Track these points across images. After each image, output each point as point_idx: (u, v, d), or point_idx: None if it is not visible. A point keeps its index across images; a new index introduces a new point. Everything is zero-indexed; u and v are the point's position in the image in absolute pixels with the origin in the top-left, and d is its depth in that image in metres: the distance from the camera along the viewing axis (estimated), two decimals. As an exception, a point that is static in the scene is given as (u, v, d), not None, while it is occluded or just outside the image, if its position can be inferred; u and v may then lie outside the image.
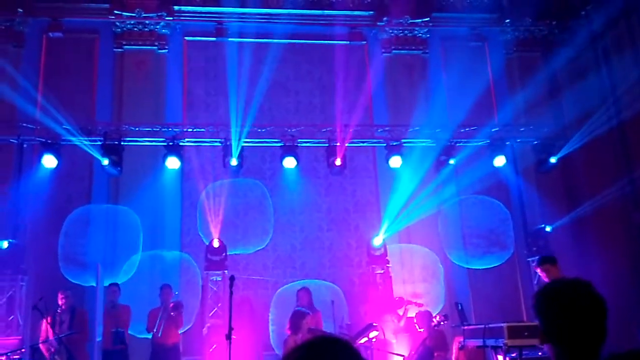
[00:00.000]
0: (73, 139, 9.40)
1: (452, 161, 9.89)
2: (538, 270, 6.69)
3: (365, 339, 7.09)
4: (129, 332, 8.25)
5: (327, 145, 10.04)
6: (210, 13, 11.16)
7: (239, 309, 8.72)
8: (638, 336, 8.49)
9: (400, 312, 8.93)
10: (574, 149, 10.30)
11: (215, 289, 9.20)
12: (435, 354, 7.72)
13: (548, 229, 9.73)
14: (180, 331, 8.51)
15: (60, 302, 7.70)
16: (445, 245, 10.50)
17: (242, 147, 9.79)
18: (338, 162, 9.87)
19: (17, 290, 8.66)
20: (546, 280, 6.39)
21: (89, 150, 9.42)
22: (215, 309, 9.04)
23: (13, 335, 8.25)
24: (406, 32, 11.41)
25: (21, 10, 10.45)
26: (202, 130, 9.91)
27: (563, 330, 1.79)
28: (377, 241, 9.71)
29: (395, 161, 9.88)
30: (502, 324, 6.23)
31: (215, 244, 9.21)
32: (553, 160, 10.15)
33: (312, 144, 10.23)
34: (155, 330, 7.97)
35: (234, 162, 9.53)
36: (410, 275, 10.23)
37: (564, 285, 1.91)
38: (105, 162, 9.23)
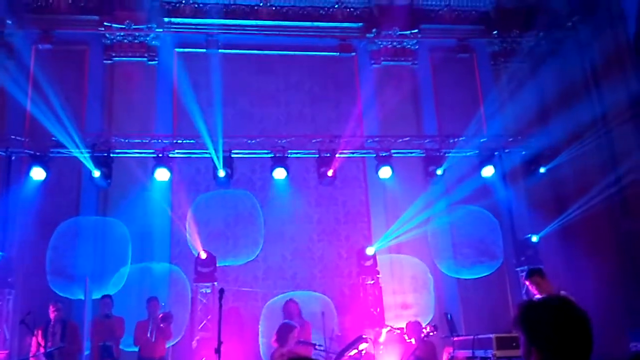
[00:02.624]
0: (63, 150, 9.37)
1: (439, 171, 9.92)
2: (527, 284, 6.69)
3: (355, 351, 7.07)
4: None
5: (317, 156, 10.05)
6: (200, 25, 11.20)
7: (229, 321, 8.69)
8: (626, 343, 8.53)
9: (381, 339, 8.89)
10: (562, 158, 10.39)
11: (204, 301, 9.15)
12: (425, 365, 7.71)
13: (534, 238, 9.76)
14: (169, 344, 8.46)
15: (51, 315, 7.67)
16: (435, 256, 10.52)
17: (232, 158, 9.78)
18: (330, 173, 9.85)
19: (4, 304, 8.58)
20: (536, 293, 6.40)
21: (84, 162, 9.32)
22: (205, 321, 8.98)
23: (0, 350, 8.18)
24: (395, 43, 11.50)
25: (10, 22, 10.45)
26: (192, 141, 9.90)
27: (551, 348, 1.81)
28: (371, 251, 9.75)
29: (384, 172, 9.90)
30: (491, 335, 6.27)
31: (202, 255, 9.17)
32: (542, 170, 10.21)
33: (302, 155, 10.23)
34: (149, 336, 7.93)
35: (221, 173, 9.52)
36: (400, 285, 10.24)
37: (546, 304, 1.94)
38: (97, 173, 9.20)
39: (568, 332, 1.81)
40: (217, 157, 9.60)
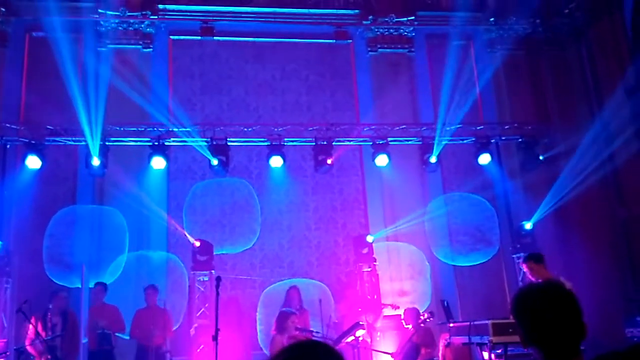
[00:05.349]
0: (59, 138, 9.30)
1: (433, 159, 9.91)
2: (524, 267, 6.78)
3: (352, 337, 7.12)
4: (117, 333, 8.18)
5: (313, 144, 10.02)
6: (195, 12, 11.11)
7: (227, 309, 8.72)
8: (622, 329, 8.61)
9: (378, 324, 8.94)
10: (559, 145, 10.41)
11: (202, 289, 9.16)
12: (422, 351, 7.78)
13: (528, 225, 9.79)
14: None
15: (53, 305, 7.48)
16: (432, 243, 10.55)
17: (228, 146, 9.75)
18: (329, 161, 9.81)
19: (1, 292, 8.56)
20: (530, 277, 6.49)
21: (91, 149, 9.18)
22: (203, 309, 9.00)
23: (-2, 338, 8.17)
24: (392, 30, 11.45)
25: (4, 9, 10.33)
26: (188, 129, 9.85)
27: (541, 333, 1.86)
28: (371, 239, 9.77)
29: (381, 160, 9.88)
30: (487, 321, 6.29)
31: (196, 244, 9.16)
32: (541, 158, 10.22)
33: (298, 143, 10.21)
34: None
35: (214, 162, 9.49)
36: (397, 272, 10.28)
37: (535, 289, 1.99)
38: (97, 162, 9.14)
39: (551, 315, 1.85)
40: (214, 146, 9.51)
